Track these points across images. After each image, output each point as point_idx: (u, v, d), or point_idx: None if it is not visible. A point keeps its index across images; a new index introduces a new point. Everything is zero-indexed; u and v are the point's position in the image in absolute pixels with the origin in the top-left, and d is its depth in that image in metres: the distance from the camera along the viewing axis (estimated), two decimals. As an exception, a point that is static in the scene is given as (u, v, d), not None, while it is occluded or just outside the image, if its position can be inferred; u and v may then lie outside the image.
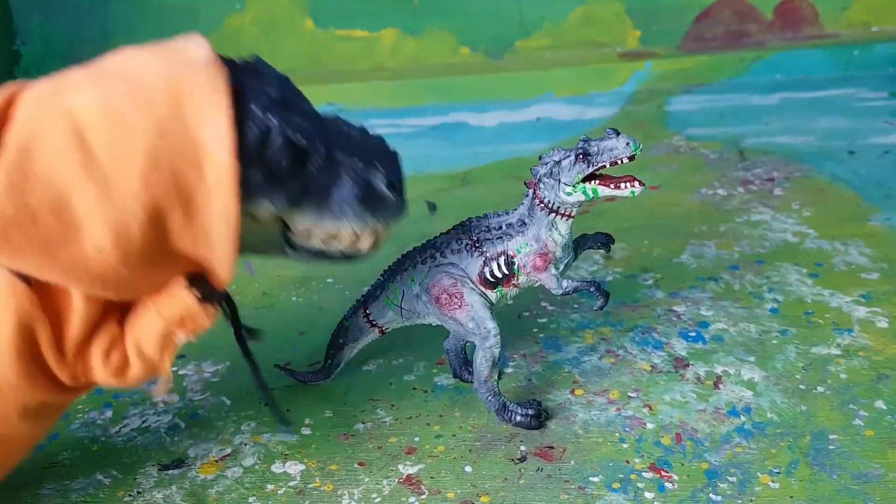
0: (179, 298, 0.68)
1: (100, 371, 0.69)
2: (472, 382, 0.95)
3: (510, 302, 0.95)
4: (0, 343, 0.65)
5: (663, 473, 0.85)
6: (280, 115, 0.66)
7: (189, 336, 0.70)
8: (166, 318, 0.68)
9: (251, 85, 0.66)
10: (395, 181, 0.73)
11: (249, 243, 0.70)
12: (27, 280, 0.64)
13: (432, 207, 1.59)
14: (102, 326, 0.69)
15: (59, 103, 0.61)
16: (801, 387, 0.97)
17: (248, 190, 0.64)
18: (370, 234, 0.74)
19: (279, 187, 0.67)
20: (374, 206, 0.72)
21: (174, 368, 1.07)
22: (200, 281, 0.68)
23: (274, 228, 0.72)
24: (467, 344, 1.02)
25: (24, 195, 0.59)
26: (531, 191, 0.90)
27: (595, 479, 0.84)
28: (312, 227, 0.72)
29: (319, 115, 0.72)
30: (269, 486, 0.86)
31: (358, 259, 0.77)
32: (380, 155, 0.73)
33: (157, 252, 0.63)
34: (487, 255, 0.91)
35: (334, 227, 0.72)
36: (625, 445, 0.89)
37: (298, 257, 0.75)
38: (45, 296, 0.65)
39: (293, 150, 0.66)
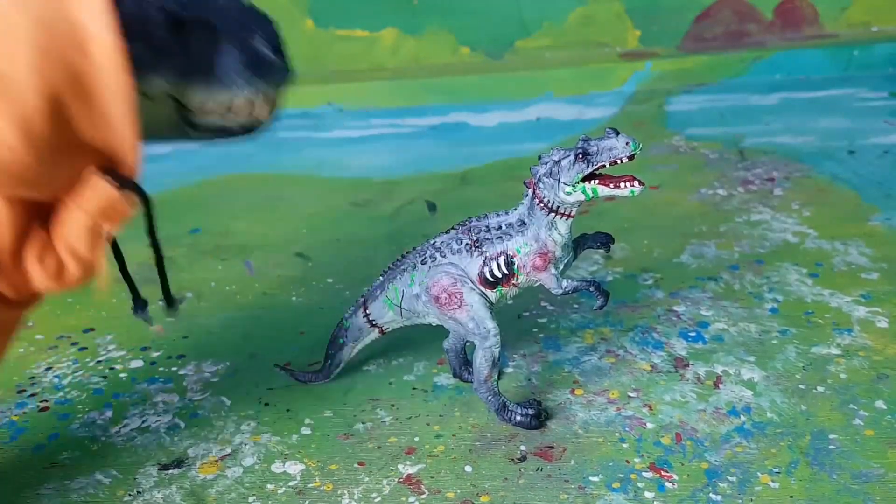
0: (97, 189, 0.69)
1: (38, 276, 0.71)
2: (471, 382, 0.95)
3: (510, 302, 0.95)
4: None
5: (663, 473, 0.85)
6: None
7: (115, 227, 0.71)
8: (88, 211, 0.69)
9: None
10: (276, 43, 0.76)
11: (151, 127, 0.72)
12: None
13: (432, 207, 1.59)
14: (31, 233, 0.70)
15: None
16: (801, 387, 0.97)
17: (135, 66, 0.66)
18: (264, 101, 0.76)
19: (164, 60, 0.70)
20: (260, 70, 0.75)
21: (174, 368, 1.07)
22: (113, 171, 0.70)
23: (170, 108, 0.74)
24: (467, 344, 1.02)
25: None
26: (531, 190, 0.90)
27: (595, 479, 0.84)
28: (206, 101, 0.74)
29: None
30: (269, 486, 0.86)
31: (258, 131, 0.79)
32: (256, 20, 0.76)
33: (65, 142, 0.65)
34: (487, 254, 0.91)
35: (227, 98, 0.74)
36: (625, 445, 0.89)
37: (202, 137, 0.78)
38: None
39: (170, 19, 0.69)
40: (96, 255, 0.72)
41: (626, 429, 0.92)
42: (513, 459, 0.88)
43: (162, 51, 0.70)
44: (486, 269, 0.91)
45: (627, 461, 0.87)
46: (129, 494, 0.85)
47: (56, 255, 0.71)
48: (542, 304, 1.18)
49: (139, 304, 0.87)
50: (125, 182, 0.70)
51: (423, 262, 0.93)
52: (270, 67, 0.76)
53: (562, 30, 2.33)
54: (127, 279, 0.85)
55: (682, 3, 2.31)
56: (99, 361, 1.10)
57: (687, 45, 2.33)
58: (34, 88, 0.61)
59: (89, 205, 0.69)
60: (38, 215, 0.71)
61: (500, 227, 0.92)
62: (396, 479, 0.86)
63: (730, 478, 0.83)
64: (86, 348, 1.13)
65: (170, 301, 0.86)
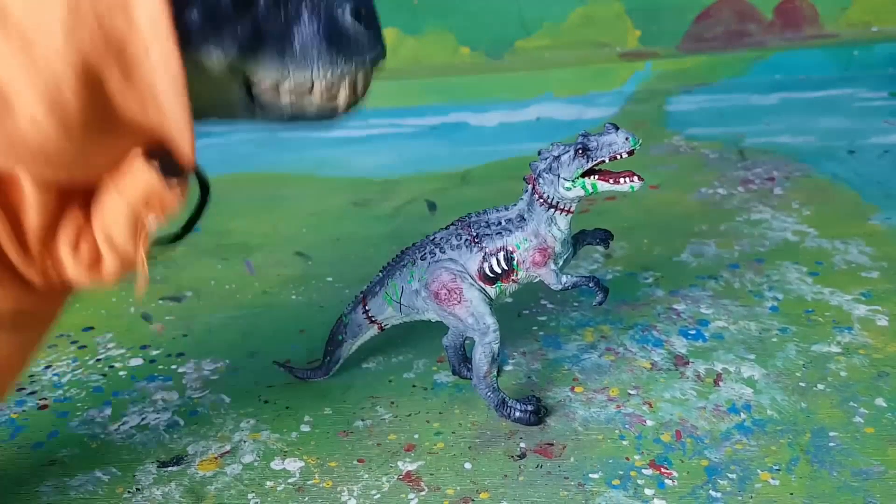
0: (140, 175, 0.60)
1: (71, 266, 0.63)
2: (471, 379, 0.94)
3: (509, 299, 0.95)
4: None
5: (663, 470, 0.85)
6: None
7: (160, 219, 0.62)
8: (129, 198, 0.60)
9: None
10: (365, 10, 0.63)
11: (209, 105, 0.62)
12: None
13: (432, 207, 1.59)
14: (66, 217, 0.62)
15: None
16: (802, 384, 0.97)
17: (187, 35, 0.56)
18: (345, 83, 0.64)
19: (224, 29, 0.58)
20: (343, 44, 0.62)
21: (173, 366, 1.07)
22: (163, 155, 0.60)
23: (233, 85, 0.62)
24: (466, 340, 1.01)
25: None
26: (530, 186, 0.90)
27: (595, 476, 0.84)
28: (279, 81, 0.62)
29: None
30: (269, 483, 0.85)
31: (336, 118, 0.67)
32: None
33: (101, 119, 0.56)
34: (487, 250, 0.91)
35: (303, 77, 0.62)
36: (625, 442, 0.89)
37: (269, 120, 0.66)
38: None
39: None
40: (136, 248, 0.63)
41: (626, 426, 0.91)
42: (512, 456, 0.88)
43: (224, 18, 0.58)
44: (486, 265, 0.91)
45: (627, 458, 0.86)
46: (129, 492, 0.85)
47: (93, 242, 0.63)
48: (542, 301, 1.18)
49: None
50: (174, 168, 0.60)
51: (423, 258, 0.93)
52: (357, 42, 0.63)
53: (562, 30, 2.33)
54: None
55: (682, 3, 2.31)
56: (98, 359, 1.10)
57: (687, 45, 2.33)
58: (66, 57, 0.52)
59: (130, 191, 0.60)
60: (77, 197, 0.62)
61: (500, 223, 0.91)
62: (396, 476, 0.85)
63: (730, 475, 0.83)
64: (85, 346, 1.13)
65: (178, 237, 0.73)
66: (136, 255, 0.63)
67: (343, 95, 0.64)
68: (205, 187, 0.68)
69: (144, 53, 0.54)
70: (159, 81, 0.55)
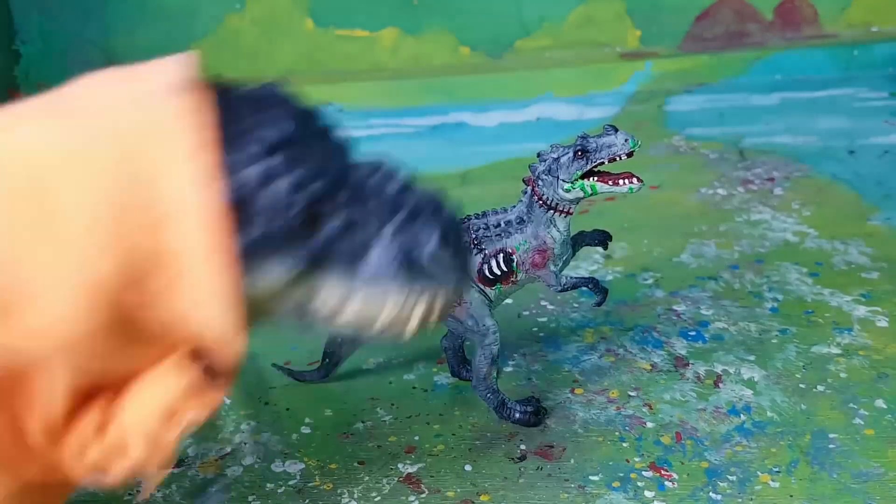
0: (182, 374, 0.55)
1: (92, 452, 0.56)
2: (470, 380, 0.94)
3: (509, 300, 0.95)
4: None
5: (663, 472, 0.85)
6: (280, 160, 0.51)
7: (201, 415, 0.57)
8: (169, 394, 0.56)
9: (251, 118, 0.52)
10: (453, 237, 0.57)
11: (261, 315, 0.57)
12: None
13: (432, 207, 1.59)
14: (95, 400, 0.56)
15: (7, 141, 0.50)
16: (801, 386, 0.97)
17: (247, 250, 0.51)
18: (419, 310, 0.56)
19: (288, 246, 0.52)
20: (423, 273, 0.55)
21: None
22: (207, 358, 0.55)
23: (291, 300, 0.56)
24: (466, 342, 1.02)
25: None
26: (529, 188, 0.90)
27: (595, 478, 0.84)
28: (345, 301, 0.55)
29: (351, 160, 0.57)
30: (269, 485, 0.85)
31: (398, 342, 0.59)
32: (430, 209, 0.57)
33: (140, 322, 0.52)
34: (486, 252, 0.91)
35: (374, 298, 0.55)
36: (625, 444, 0.89)
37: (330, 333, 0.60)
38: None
39: (304, 203, 0.51)
40: (168, 443, 0.57)
41: (626, 428, 0.91)
42: (513, 458, 0.88)
43: (290, 236, 0.51)
44: (486, 267, 0.91)
45: (627, 460, 0.86)
46: (130, 493, 0.85)
47: (119, 432, 0.56)
48: (542, 303, 1.18)
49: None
50: (219, 372, 0.55)
51: (423, 261, 0.93)
52: (441, 270, 0.55)
53: (562, 30, 2.33)
54: None
55: (682, 3, 2.31)
56: (98, 361, 1.10)
57: (687, 45, 2.33)
58: (101, 257, 0.48)
59: (172, 388, 0.55)
60: (107, 387, 0.56)
61: (499, 225, 0.91)
62: (396, 478, 0.86)
63: (730, 477, 0.83)
64: (85, 348, 1.13)
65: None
66: (165, 449, 0.57)
67: (414, 323, 0.56)
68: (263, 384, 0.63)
69: (192, 267, 0.50)
70: (206, 297, 0.51)
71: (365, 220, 0.54)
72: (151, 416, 0.56)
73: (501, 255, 0.91)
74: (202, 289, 0.51)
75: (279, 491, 0.85)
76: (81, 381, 0.54)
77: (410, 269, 0.54)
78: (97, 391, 0.56)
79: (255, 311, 0.54)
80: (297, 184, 0.51)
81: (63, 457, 0.56)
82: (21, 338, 0.50)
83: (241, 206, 0.50)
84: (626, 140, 0.84)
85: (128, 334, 0.52)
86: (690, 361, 1.03)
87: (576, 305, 1.17)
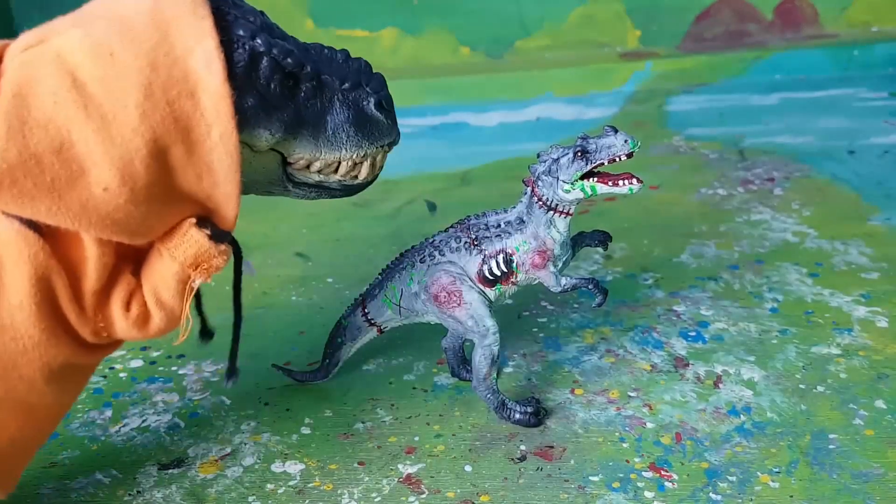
0: (191, 239, 0.67)
1: (121, 323, 0.68)
2: (470, 381, 0.95)
3: (509, 300, 0.95)
4: (19, 296, 0.63)
5: (663, 473, 0.85)
6: (266, 40, 0.66)
7: (205, 278, 0.69)
8: (180, 260, 0.67)
9: (233, 13, 0.66)
10: (385, 102, 0.74)
11: (252, 180, 0.71)
12: (39, 230, 0.63)
13: (432, 207, 1.59)
14: (119, 277, 0.68)
15: (46, 49, 0.61)
16: (801, 386, 0.97)
17: (243, 117, 0.65)
18: (367, 161, 0.75)
19: (273, 113, 0.68)
20: (367, 130, 0.73)
21: (174, 368, 1.07)
22: (209, 221, 0.67)
23: (273, 162, 0.72)
24: (465, 342, 1.02)
25: (25, 140, 0.59)
26: (529, 189, 0.90)
27: (595, 479, 0.84)
28: (311, 158, 0.72)
29: (301, 42, 0.72)
30: (269, 486, 0.86)
31: (356, 190, 0.77)
32: (366, 77, 0.74)
33: (164, 189, 0.63)
34: (486, 252, 0.91)
35: (332, 156, 0.73)
36: (625, 445, 0.89)
37: (299, 193, 0.76)
38: (57, 245, 0.65)
39: (282, 73, 0.67)
40: (183, 306, 0.70)
41: (626, 428, 0.91)
42: (513, 459, 0.88)
43: (272, 104, 0.67)
44: (486, 268, 0.91)
45: (627, 461, 0.86)
46: (129, 494, 0.85)
47: (142, 301, 0.69)
48: (542, 303, 1.18)
49: (232, 373, 0.81)
50: (222, 235, 0.68)
51: (422, 261, 0.93)
52: (378, 128, 0.74)
53: (562, 30, 2.33)
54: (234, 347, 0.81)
55: (682, 3, 2.31)
56: (99, 361, 1.10)
57: (687, 45, 2.33)
58: (137, 132, 0.60)
59: (181, 254, 0.67)
60: (128, 258, 0.69)
61: (499, 226, 0.92)
62: (396, 479, 0.86)
63: (730, 477, 0.83)
64: (85, 348, 1.13)
65: (233, 370, 0.81)
66: (181, 311, 0.70)
67: (364, 173, 0.76)
68: (238, 252, 0.75)
69: (207, 133, 0.62)
70: (217, 157, 0.63)
71: (321, 90, 0.71)
72: (166, 287, 0.68)
73: (501, 255, 0.91)
74: (215, 151, 0.62)
75: (279, 491, 0.85)
76: (110, 256, 0.66)
77: (358, 129, 0.73)
78: (121, 265, 0.67)
79: (247, 175, 0.68)
80: (275, 61, 0.66)
81: (105, 321, 0.68)
82: (75, 210, 0.61)
83: (239, 80, 0.64)
84: (625, 141, 0.84)
85: (154, 200, 0.62)
86: (690, 362, 1.03)
87: (576, 306, 1.18)
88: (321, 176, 0.74)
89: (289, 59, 0.67)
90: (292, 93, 0.69)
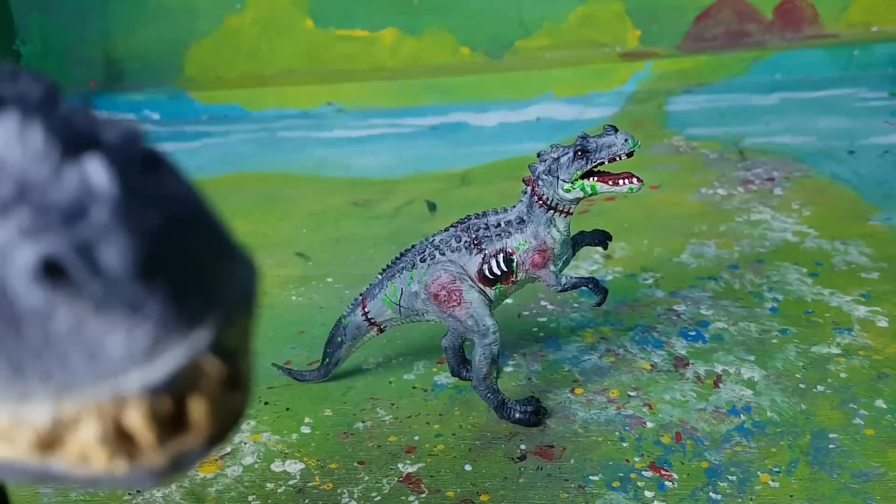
0: None
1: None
2: (470, 380, 0.94)
3: (509, 300, 0.95)
4: None
5: (663, 472, 0.85)
6: None
7: None
8: None
9: None
10: (159, 259, 0.24)
11: None
12: None
13: (432, 207, 1.59)
14: None
15: None
16: (801, 386, 0.97)
17: None
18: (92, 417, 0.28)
19: None
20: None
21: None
22: None
23: None
24: (465, 342, 1.01)
25: None
26: (529, 188, 0.90)
27: (595, 478, 0.84)
28: None
29: None
30: (269, 485, 0.85)
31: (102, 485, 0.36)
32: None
33: None
34: (486, 252, 0.91)
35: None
36: (625, 444, 0.89)
37: None
38: None
39: None
40: None
41: (626, 428, 0.91)
42: (513, 458, 0.88)
43: None
44: (486, 267, 0.91)
45: (627, 460, 0.86)
46: (129, 493, 0.85)
47: None
48: (542, 303, 1.18)
49: None
50: None
51: (423, 260, 0.93)
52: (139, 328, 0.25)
53: (562, 30, 2.33)
54: None
55: (682, 3, 2.31)
56: (98, 361, 1.10)
57: (687, 45, 2.33)
58: None
59: None
60: None
61: (499, 225, 0.91)
62: (396, 478, 0.86)
63: (730, 477, 0.83)
64: (85, 347, 1.13)
65: None
66: None
67: (91, 447, 0.26)
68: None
69: None
70: None
71: None
72: None
73: (501, 255, 0.91)
74: None
75: (279, 491, 0.85)
76: None
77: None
78: None
79: None
80: None
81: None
82: None
83: None
84: (626, 140, 0.84)
85: None
86: (690, 361, 1.03)
87: (576, 305, 1.17)
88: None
89: None
90: None
